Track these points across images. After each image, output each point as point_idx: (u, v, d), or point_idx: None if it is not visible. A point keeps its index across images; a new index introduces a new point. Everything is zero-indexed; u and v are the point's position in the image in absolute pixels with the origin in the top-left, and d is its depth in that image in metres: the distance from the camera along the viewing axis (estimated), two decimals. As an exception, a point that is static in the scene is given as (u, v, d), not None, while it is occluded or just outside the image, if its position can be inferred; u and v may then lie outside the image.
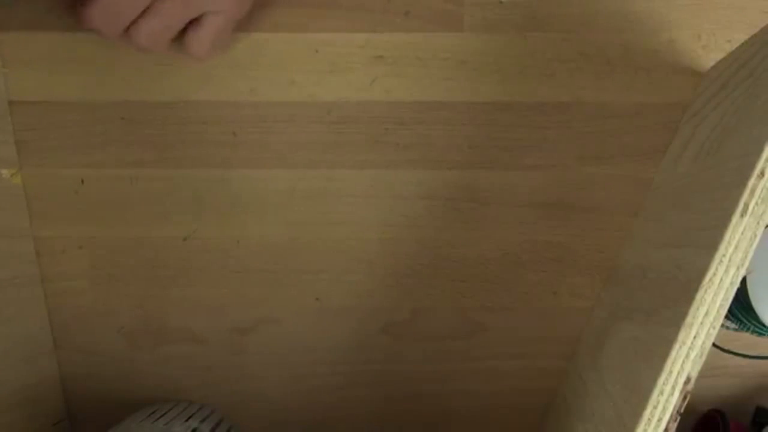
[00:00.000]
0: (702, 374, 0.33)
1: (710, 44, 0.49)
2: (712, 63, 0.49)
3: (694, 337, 0.33)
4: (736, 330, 0.45)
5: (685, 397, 0.33)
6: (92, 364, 0.55)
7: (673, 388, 0.33)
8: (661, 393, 0.33)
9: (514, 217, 0.52)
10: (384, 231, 0.53)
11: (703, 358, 0.33)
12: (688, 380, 0.33)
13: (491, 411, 0.56)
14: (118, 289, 0.54)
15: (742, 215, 0.32)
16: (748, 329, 0.44)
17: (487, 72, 0.50)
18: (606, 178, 0.51)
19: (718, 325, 0.32)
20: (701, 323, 0.32)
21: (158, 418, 0.50)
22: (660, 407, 0.33)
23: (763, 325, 0.42)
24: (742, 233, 0.32)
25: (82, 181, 0.52)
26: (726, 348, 0.50)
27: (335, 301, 0.54)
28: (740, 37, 0.48)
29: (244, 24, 0.50)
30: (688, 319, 0.33)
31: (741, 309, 0.43)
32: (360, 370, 0.56)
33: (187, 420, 0.51)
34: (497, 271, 0.53)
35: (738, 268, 0.32)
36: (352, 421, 0.57)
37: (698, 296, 0.32)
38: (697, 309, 0.32)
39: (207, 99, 0.51)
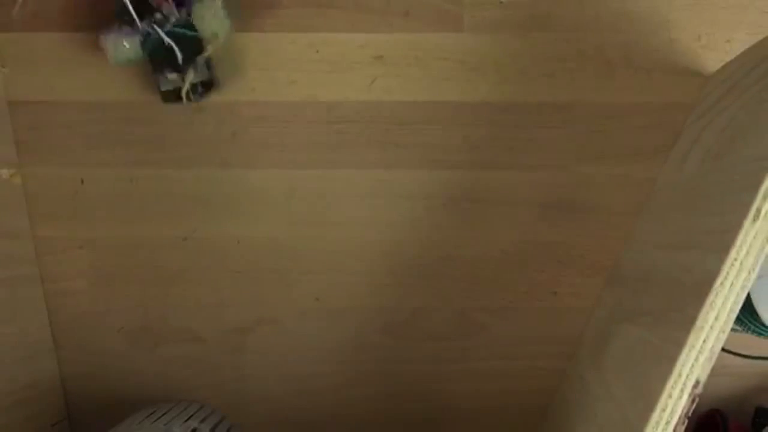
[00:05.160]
0: (702, 374, 0.33)
1: (710, 44, 0.49)
2: (711, 63, 0.49)
3: (704, 341, 0.32)
4: (736, 331, 0.45)
5: (693, 400, 0.33)
6: (92, 364, 0.55)
7: (682, 391, 0.33)
8: (670, 396, 0.33)
9: (514, 217, 0.52)
10: (384, 231, 0.53)
11: (713, 361, 0.32)
12: (697, 383, 0.33)
13: (491, 411, 0.56)
14: (118, 289, 0.54)
15: (754, 219, 0.31)
16: (749, 330, 0.44)
17: (487, 72, 0.50)
18: (606, 178, 0.51)
19: (728, 329, 0.32)
20: (711, 327, 0.32)
21: (158, 418, 0.50)
22: (669, 410, 0.33)
23: (764, 326, 0.42)
24: (754, 237, 0.31)
25: (82, 181, 0.52)
26: (726, 348, 0.49)
27: (335, 301, 0.54)
28: (740, 37, 0.48)
29: (245, 24, 0.50)
30: (699, 323, 0.32)
31: (742, 310, 0.42)
32: (360, 370, 0.56)
33: (187, 420, 0.50)
34: (497, 271, 0.53)
35: (749, 272, 0.31)
36: (352, 420, 0.57)
37: (709, 300, 0.32)
38: (708, 313, 0.32)
39: (207, 99, 0.51)
